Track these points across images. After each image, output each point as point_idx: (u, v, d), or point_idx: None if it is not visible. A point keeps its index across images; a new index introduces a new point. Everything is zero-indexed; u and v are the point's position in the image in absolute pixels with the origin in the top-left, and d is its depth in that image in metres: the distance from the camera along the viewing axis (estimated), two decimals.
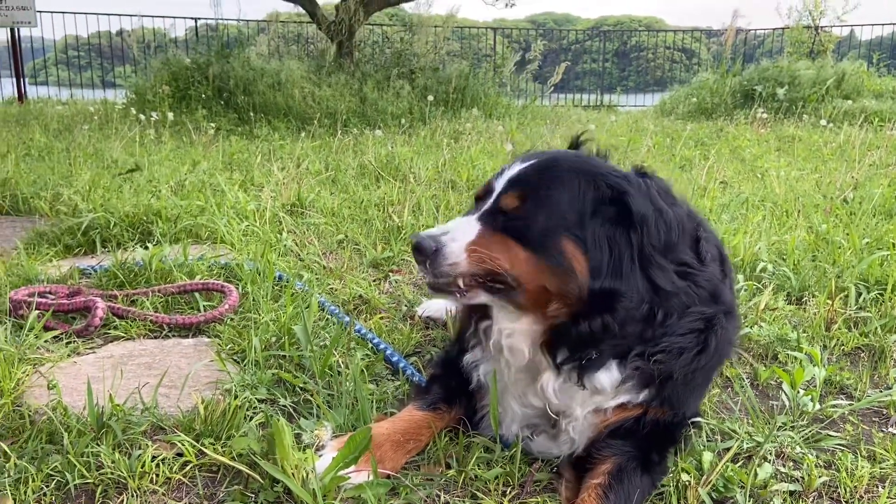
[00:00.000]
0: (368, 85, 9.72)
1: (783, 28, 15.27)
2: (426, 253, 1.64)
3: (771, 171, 5.60)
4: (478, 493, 1.70)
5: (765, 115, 9.24)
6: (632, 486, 1.59)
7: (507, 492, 1.71)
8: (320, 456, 1.66)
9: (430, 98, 9.61)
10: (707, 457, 1.76)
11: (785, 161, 6.35)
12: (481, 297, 1.70)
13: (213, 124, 8.28)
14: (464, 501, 1.67)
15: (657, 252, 1.62)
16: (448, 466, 1.80)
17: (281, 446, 1.57)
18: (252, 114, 8.94)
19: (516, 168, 1.75)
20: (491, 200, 1.71)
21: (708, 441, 1.90)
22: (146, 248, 3.47)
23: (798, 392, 2.08)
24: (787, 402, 2.07)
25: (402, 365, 2.32)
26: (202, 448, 1.71)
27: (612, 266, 1.60)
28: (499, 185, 1.73)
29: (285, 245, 3.56)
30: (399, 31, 12.23)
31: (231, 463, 1.61)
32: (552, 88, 12.98)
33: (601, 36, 24.40)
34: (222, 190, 4.66)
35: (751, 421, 1.99)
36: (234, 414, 1.83)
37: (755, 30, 17.94)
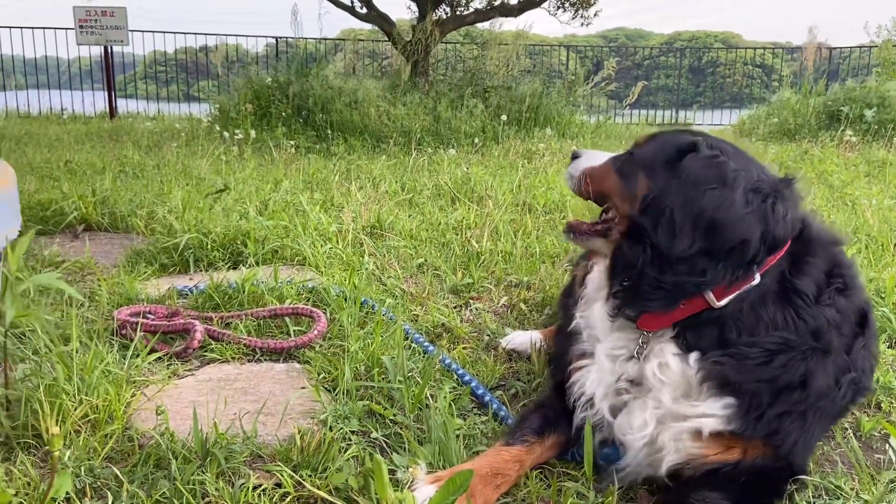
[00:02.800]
0: (442, 104, 9.82)
1: (869, 46, 14.67)
2: (572, 156, 2.12)
3: (862, 199, 5.38)
4: None
5: (853, 138, 8.87)
6: None
7: None
8: (414, 493, 1.69)
9: (504, 117, 9.63)
10: None
11: (877, 188, 6.09)
12: (589, 243, 2.00)
13: (292, 142, 8.53)
14: None
15: (681, 211, 1.66)
16: None
17: (380, 484, 1.60)
18: (329, 132, 9.15)
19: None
20: None
21: (813, 499, 1.83)
22: (236, 268, 3.61)
23: None
24: (893, 458, 1.99)
25: (487, 398, 2.33)
26: (301, 479, 1.76)
27: (658, 208, 1.71)
28: None
29: (367, 269, 3.63)
30: (472, 49, 12.32)
31: (329, 497, 1.66)
32: (626, 107, 12.81)
33: (675, 52, 23.95)
34: (305, 210, 4.79)
35: (856, 476, 1.91)
36: (329, 446, 1.88)
37: (839, 48, 17.27)
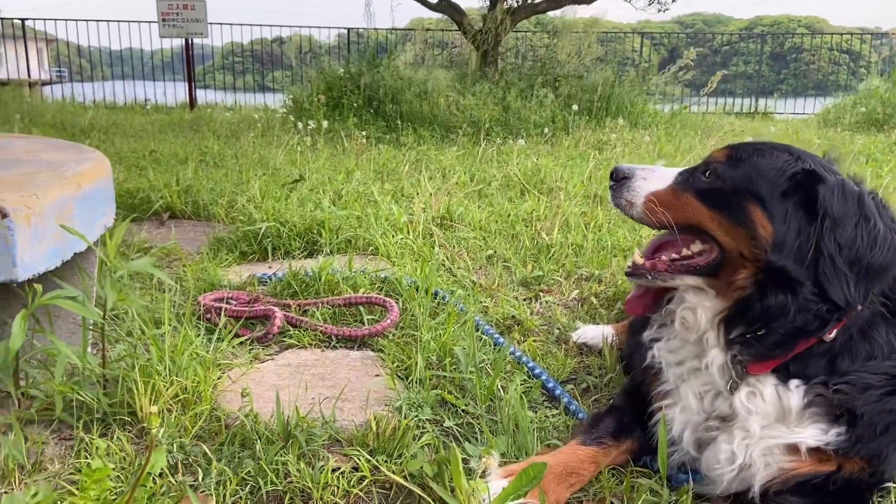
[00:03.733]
0: (511, 94, 9.78)
1: None
2: (616, 177, 1.82)
3: None
4: None
5: None
6: None
7: None
8: (487, 483, 1.73)
9: (575, 107, 9.52)
10: None
11: None
12: (676, 281, 1.75)
13: (363, 132, 8.66)
14: None
15: (841, 256, 1.54)
16: None
17: (456, 473, 1.64)
18: (399, 122, 9.25)
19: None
20: (701, 162, 1.81)
21: None
22: (312, 256, 3.72)
23: None
24: None
25: (558, 392, 2.34)
26: (377, 464, 1.82)
27: (795, 248, 1.57)
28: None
29: (437, 259, 3.68)
30: (543, 38, 12.20)
31: (404, 483, 1.71)
32: (703, 95, 12.46)
33: (756, 38, 23.07)
34: (376, 200, 4.89)
35: None
36: (404, 433, 1.94)
37: None
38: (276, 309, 2.69)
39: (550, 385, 2.38)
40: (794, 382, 1.65)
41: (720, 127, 10.14)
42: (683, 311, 1.75)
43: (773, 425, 1.66)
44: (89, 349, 2.10)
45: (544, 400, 2.34)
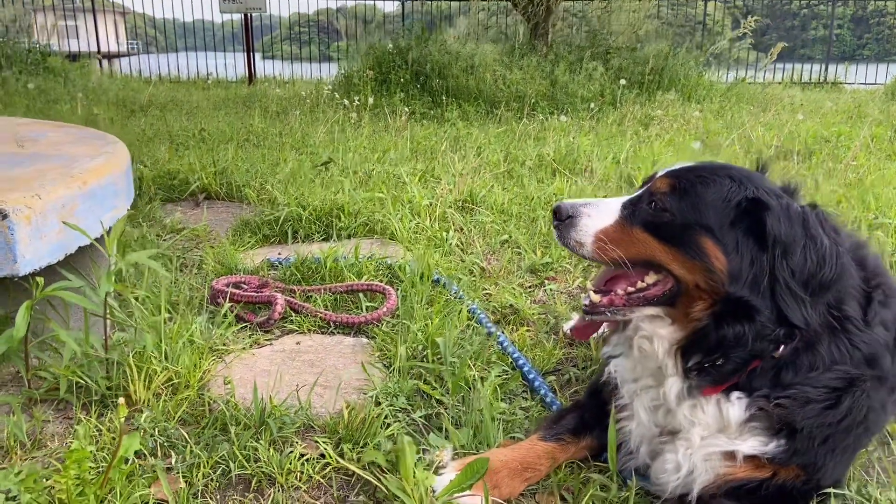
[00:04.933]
0: (560, 67, 9.65)
1: None
2: (560, 217, 1.78)
3: None
4: None
5: None
6: None
7: None
8: (441, 475, 1.83)
9: (622, 81, 9.34)
10: None
11: None
12: (634, 314, 1.76)
13: (407, 108, 8.74)
14: None
15: (795, 280, 1.57)
16: (563, 500, 1.88)
17: (404, 465, 1.74)
18: (444, 97, 9.28)
19: (677, 166, 1.82)
20: (643, 189, 1.80)
21: None
22: (329, 240, 3.86)
23: None
24: None
25: (537, 384, 2.41)
26: (343, 452, 1.95)
27: (751, 277, 1.60)
28: (658, 175, 1.81)
29: (450, 244, 3.76)
30: (597, 9, 11.92)
31: (360, 472, 1.82)
32: (763, 69, 11.98)
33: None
34: (404, 182, 4.99)
35: None
36: (372, 423, 2.05)
37: None
38: (277, 295, 2.84)
39: (531, 376, 2.45)
40: (735, 394, 1.68)
41: (778, 100, 9.78)
42: (640, 340, 1.78)
43: (715, 435, 1.70)
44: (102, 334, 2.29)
45: (523, 391, 2.42)
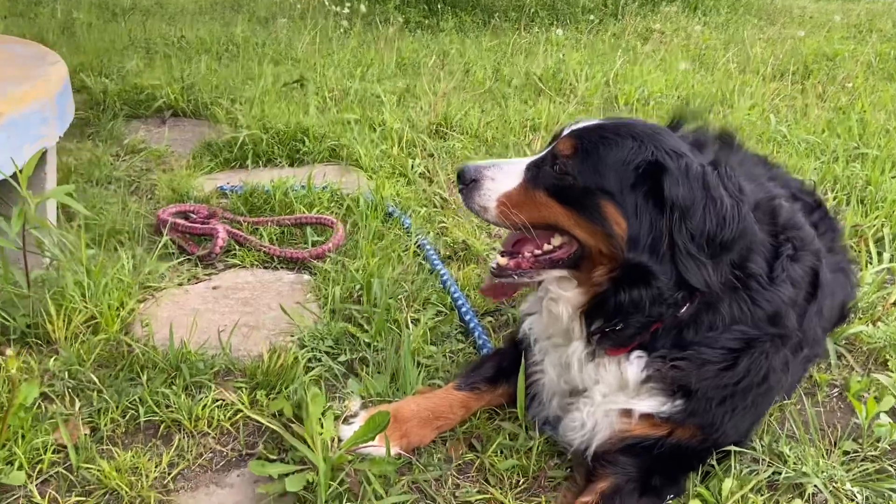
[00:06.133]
0: None
1: None
2: (464, 180, 1.72)
3: None
4: (489, 481, 1.77)
5: None
6: None
7: (520, 483, 1.77)
8: (351, 424, 1.82)
9: None
10: (727, 485, 1.67)
11: None
12: (542, 276, 1.74)
13: (401, 17, 8.39)
14: (473, 487, 1.75)
15: (693, 243, 1.53)
16: (472, 448, 1.88)
17: (308, 417, 1.73)
18: (440, 5, 8.89)
19: (586, 122, 1.74)
20: (547, 148, 1.74)
21: (752, 464, 1.78)
22: (294, 165, 3.76)
23: (878, 415, 1.88)
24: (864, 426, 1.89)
25: (472, 325, 2.37)
26: (256, 399, 1.93)
27: (650, 242, 1.56)
28: (564, 133, 1.74)
29: (415, 172, 3.65)
30: None
31: (265, 422, 1.81)
32: None
33: None
34: (381, 101, 4.82)
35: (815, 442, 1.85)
36: (292, 367, 2.03)
37: None
38: (219, 228, 2.77)
39: (468, 318, 2.41)
40: (635, 354, 1.66)
41: (788, 12, 9.31)
42: (548, 303, 1.76)
43: (615, 393, 1.69)
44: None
45: (458, 332, 2.38)
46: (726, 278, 1.59)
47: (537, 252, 1.71)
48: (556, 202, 1.64)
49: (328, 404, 1.89)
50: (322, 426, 1.74)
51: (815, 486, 1.71)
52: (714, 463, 1.73)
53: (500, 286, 1.85)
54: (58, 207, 2.84)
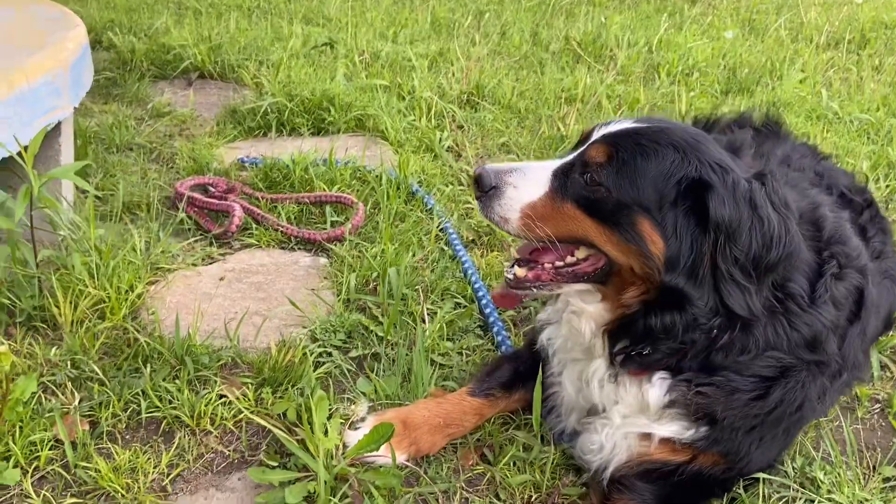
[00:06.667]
0: None
1: None
2: (483, 188, 1.56)
3: None
4: (500, 496, 1.69)
5: None
6: None
7: (532, 499, 1.68)
8: (358, 429, 1.75)
9: None
10: None
11: None
12: (563, 289, 1.60)
13: None
14: (483, 501, 1.66)
15: (737, 267, 1.40)
16: (483, 458, 1.79)
17: (306, 425, 1.65)
18: None
19: (619, 125, 1.58)
20: (577, 153, 1.58)
21: (781, 489, 1.67)
22: (318, 134, 3.65)
23: None
24: None
25: (492, 320, 2.27)
26: (261, 397, 1.86)
27: (688, 264, 1.43)
28: (595, 135, 1.58)
29: (442, 146, 3.51)
30: None
31: (268, 425, 1.74)
32: None
33: None
34: (412, 66, 4.66)
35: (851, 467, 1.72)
36: (301, 363, 1.95)
37: None
38: (235, 206, 2.69)
39: (487, 311, 2.31)
40: (658, 375, 1.54)
41: None
42: (569, 316, 1.63)
43: (636, 416, 1.59)
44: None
45: (477, 326, 2.28)
46: (766, 301, 1.45)
47: (559, 264, 1.57)
48: (586, 215, 1.49)
49: (335, 406, 1.81)
50: (326, 433, 1.66)
51: None
52: (741, 490, 1.61)
53: (514, 295, 1.72)
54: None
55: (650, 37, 5.43)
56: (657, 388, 1.53)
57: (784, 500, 1.64)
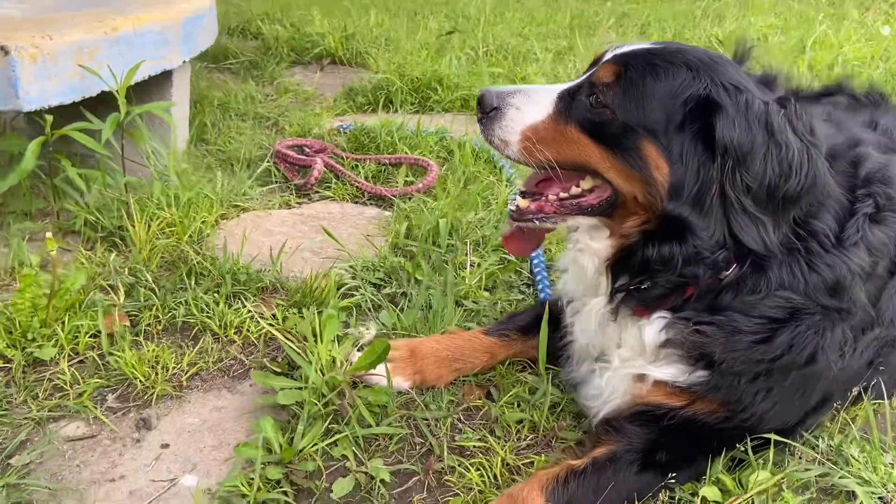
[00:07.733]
0: None
1: None
2: (484, 108, 1.49)
3: None
4: (495, 431, 1.63)
5: None
6: (605, 482, 1.36)
7: (526, 437, 1.61)
8: (363, 351, 1.76)
9: None
10: (755, 476, 1.38)
11: None
12: (567, 223, 1.52)
13: None
14: (474, 434, 1.61)
15: (750, 196, 1.28)
16: (488, 396, 1.74)
17: (310, 341, 1.69)
18: None
19: (631, 46, 1.48)
20: (584, 75, 1.49)
21: (808, 465, 1.46)
22: (422, 111, 3.75)
23: None
24: None
25: (539, 277, 2.19)
26: (286, 316, 1.93)
27: (694, 192, 1.32)
28: (606, 57, 1.49)
29: None
30: None
31: (279, 335, 1.80)
32: None
33: None
34: (536, 58, 4.67)
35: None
36: (329, 291, 2.01)
37: None
38: (317, 160, 2.82)
39: (537, 269, 2.23)
40: (657, 315, 1.41)
41: None
42: (576, 254, 1.55)
43: (634, 358, 1.48)
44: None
45: (525, 284, 2.22)
46: (786, 238, 1.29)
47: (563, 195, 1.48)
48: (589, 139, 1.39)
49: (346, 331, 1.84)
50: (333, 348, 1.69)
51: (879, 496, 1.36)
52: (749, 451, 1.43)
53: (523, 235, 1.62)
54: (191, 129, 3.07)
55: (804, 37, 5.04)
56: (654, 326, 1.41)
57: (809, 473, 1.44)
